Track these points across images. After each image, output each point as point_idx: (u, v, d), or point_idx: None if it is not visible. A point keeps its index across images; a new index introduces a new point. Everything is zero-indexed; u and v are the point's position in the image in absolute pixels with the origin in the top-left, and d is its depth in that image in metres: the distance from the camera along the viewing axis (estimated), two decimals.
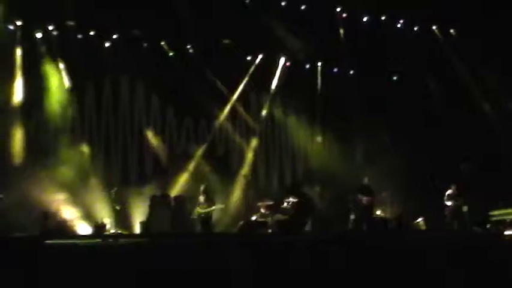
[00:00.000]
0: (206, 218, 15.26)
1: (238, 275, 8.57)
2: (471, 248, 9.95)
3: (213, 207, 15.46)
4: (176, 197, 16.35)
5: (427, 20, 18.87)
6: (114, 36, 16.70)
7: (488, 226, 15.75)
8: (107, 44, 16.68)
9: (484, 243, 11.31)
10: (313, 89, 19.29)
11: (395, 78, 19.76)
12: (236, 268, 8.63)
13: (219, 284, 8.37)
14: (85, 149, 16.30)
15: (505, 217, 16.64)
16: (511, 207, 16.81)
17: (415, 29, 18.99)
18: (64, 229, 14.65)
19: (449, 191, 16.19)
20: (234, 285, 8.39)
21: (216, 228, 16.31)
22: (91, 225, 15.10)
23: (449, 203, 16.09)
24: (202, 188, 15.70)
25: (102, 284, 7.97)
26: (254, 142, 18.79)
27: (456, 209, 16.00)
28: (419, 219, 16.90)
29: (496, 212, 16.92)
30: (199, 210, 15.28)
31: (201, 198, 15.42)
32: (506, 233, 13.36)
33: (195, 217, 15.29)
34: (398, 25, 19.00)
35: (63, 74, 16.17)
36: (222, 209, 16.14)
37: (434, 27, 19.36)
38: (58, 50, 16.13)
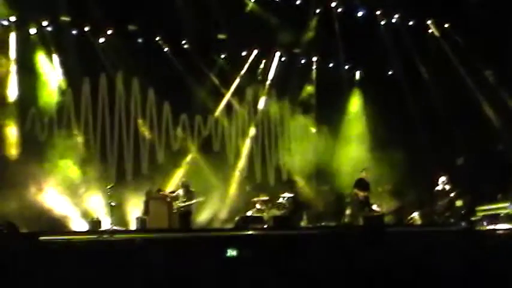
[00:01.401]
0: (185, 212, 15.25)
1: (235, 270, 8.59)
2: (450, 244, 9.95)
3: (193, 201, 15.43)
4: (172, 192, 16.32)
5: (423, 14, 18.89)
6: (109, 32, 16.65)
7: (473, 220, 15.63)
8: (101, 40, 16.62)
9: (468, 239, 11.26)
10: (308, 84, 19.32)
11: (390, 73, 19.76)
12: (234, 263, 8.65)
13: (215, 279, 8.38)
14: (81, 145, 16.26)
15: (498, 211, 16.72)
16: (507, 201, 16.92)
17: (410, 23, 19.01)
18: (59, 225, 14.61)
19: (439, 186, 16.07)
20: (230, 280, 8.39)
21: (213, 223, 16.33)
22: (86, 221, 15.06)
23: (441, 198, 15.95)
24: (181, 182, 15.73)
25: (99, 280, 7.95)
26: (250, 137, 18.79)
27: (449, 203, 15.91)
28: (414, 214, 16.94)
29: (487, 207, 17.00)
30: (178, 204, 15.28)
31: (180, 192, 15.43)
32: (498, 227, 13.34)
33: (175, 211, 15.27)
34: (393, 20, 19.03)
35: (58, 69, 16.11)
36: (207, 203, 16.26)
37: (429, 22, 19.38)
38: (52, 45, 16.06)
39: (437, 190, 15.97)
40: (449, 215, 15.91)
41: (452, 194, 15.78)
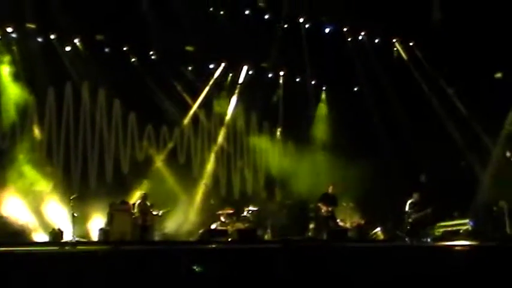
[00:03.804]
0: (145, 225, 15.20)
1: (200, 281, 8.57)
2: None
3: (161, 212, 15.62)
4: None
5: (388, 32, 19.25)
6: (76, 41, 16.49)
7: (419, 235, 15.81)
8: (68, 48, 16.44)
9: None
10: (275, 98, 19.45)
11: (356, 89, 20.03)
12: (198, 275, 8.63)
13: None
14: (44, 154, 16.00)
15: (458, 227, 17.02)
16: (465, 218, 17.25)
17: (376, 41, 19.34)
18: (18, 236, 14.29)
19: (411, 200, 16.16)
20: None
21: (177, 236, 16.21)
22: (47, 233, 14.77)
23: (413, 213, 15.97)
24: (140, 195, 15.68)
25: None
26: (215, 150, 18.77)
27: (421, 219, 15.98)
28: (377, 229, 17.11)
29: (447, 223, 17.28)
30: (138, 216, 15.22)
31: (137, 204, 15.40)
32: (456, 243, 13.52)
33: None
34: (360, 37, 19.33)
35: (22, 77, 15.83)
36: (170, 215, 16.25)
37: (394, 40, 19.75)
38: (17, 52, 15.81)
39: (411, 203, 16.01)
40: (416, 231, 15.93)
41: (428, 210, 15.82)
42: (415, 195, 16.04)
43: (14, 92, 15.62)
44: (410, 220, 15.74)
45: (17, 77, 15.67)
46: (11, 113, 15.66)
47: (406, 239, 15.45)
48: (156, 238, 15.65)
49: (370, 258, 10.05)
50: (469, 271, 9.47)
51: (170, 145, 17.94)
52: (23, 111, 15.85)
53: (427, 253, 12.21)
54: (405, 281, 8.93)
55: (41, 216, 15.14)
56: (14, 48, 15.76)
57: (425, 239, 15.59)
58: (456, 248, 12.56)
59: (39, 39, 16.03)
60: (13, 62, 15.74)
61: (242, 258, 9.76)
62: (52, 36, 16.15)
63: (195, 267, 8.77)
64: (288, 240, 14.86)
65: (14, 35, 15.79)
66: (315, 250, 10.89)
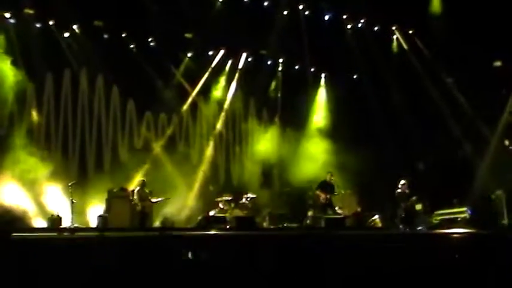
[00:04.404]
0: (144, 212, 15.26)
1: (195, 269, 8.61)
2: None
3: (159, 199, 15.65)
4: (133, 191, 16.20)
5: (387, 20, 19.19)
6: (74, 27, 16.43)
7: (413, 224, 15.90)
8: (66, 35, 16.38)
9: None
10: (274, 85, 19.43)
11: (355, 77, 20.01)
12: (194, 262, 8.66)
13: (177, 278, 8.38)
14: (42, 140, 16.01)
15: (456, 216, 17.08)
16: (463, 206, 17.30)
17: (375, 29, 19.29)
18: (17, 222, 14.31)
19: (399, 190, 16.20)
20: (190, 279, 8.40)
21: (176, 222, 16.26)
22: (46, 219, 14.80)
23: (402, 201, 16.10)
24: (138, 182, 15.71)
25: (58, 278, 7.87)
26: (214, 137, 18.78)
27: (409, 207, 16.10)
28: (375, 217, 17.16)
29: (445, 211, 17.35)
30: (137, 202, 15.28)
31: (135, 191, 15.46)
32: (453, 231, 13.58)
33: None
34: (359, 24, 19.27)
35: (21, 63, 15.77)
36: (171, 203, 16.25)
37: (393, 28, 19.70)
38: (15, 38, 15.75)
39: (398, 193, 16.16)
40: (410, 218, 16.04)
41: (413, 198, 15.96)
42: (402, 185, 16.11)
43: (12, 78, 15.57)
44: (401, 209, 15.86)
45: (15, 63, 15.62)
46: (9, 99, 15.63)
47: (400, 227, 15.53)
48: (157, 223, 15.70)
49: (365, 247, 10.08)
50: (464, 259, 9.51)
51: (169, 132, 17.93)
52: (21, 98, 15.82)
53: (422, 241, 12.26)
54: (397, 269, 8.95)
55: (40, 202, 15.15)
56: (12, 34, 15.69)
57: (420, 227, 15.64)
58: (452, 235, 12.60)
59: (38, 25, 15.96)
60: (11, 48, 15.68)
61: (240, 245, 9.79)
62: (50, 23, 16.08)
63: (193, 254, 8.80)
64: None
65: (12, 21, 15.71)
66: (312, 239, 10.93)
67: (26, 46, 15.68)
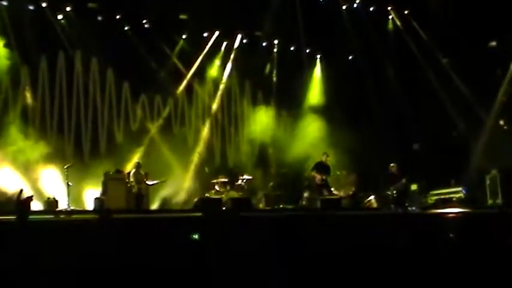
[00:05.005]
0: (140, 194, 15.28)
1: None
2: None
3: (156, 181, 15.62)
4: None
5: (383, 0, 19.09)
6: (68, 9, 16.31)
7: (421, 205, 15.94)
8: (60, 16, 16.27)
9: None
10: (269, 66, 19.38)
11: (350, 57, 19.96)
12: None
13: (173, 260, 8.42)
14: (37, 123, 15.97)
15: (451, 196, 17.18)
16: (459, 186, 17.41)
17: (371, 9, 19.19)
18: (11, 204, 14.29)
19: (389, 172, 16.27)
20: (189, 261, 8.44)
21: (172, 205, 16.31)
22: (42, 202, 14.81)
23: (391, 185, 16.17)
24: (134, 164, 15.72)
25: (54, 260, 7.89)
26: (209, 119, 18.77)
27: (401, 188, 16.17)
28: (371, 197, 17.23)
29: (441, 191, 17.45)
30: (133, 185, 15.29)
31: (131, 173, 15.46)
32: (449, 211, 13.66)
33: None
34: (355, 5, 19.18)
35: (14, 45, 15.68)
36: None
37: (389, 8, 19.61)
38: (8, 20, 15.62)
39: (387, 174, 16.24)
40: (403, 199, 16.12)
41: (403, 180, 16.03)
42: (392, 167, 16.16)
43: (6, 61, 15.49)
44: (392, 191, 15.92)
45: (8, 45, 15.52)
46: (3, 82, 15.56)
47: (392, 206, 15.63)
48: (156, 204, 15.73)
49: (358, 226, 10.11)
50: (459, 238, 9.57)
51: (164, 114, 17.90)
52: (15, 80, 15.75)
53: (414, 220, 12.34)
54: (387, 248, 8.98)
55: (35, 185, 15.14)
56: (5, 16, 15.57)
57: (412, 208, 15.72)
58: (446, 215, 12.68)
59: (31, 7, 15.83)
60: (4, 31, 15.57)
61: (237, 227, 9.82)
62: (44, 4, 15.96)
63: (190, 236, 8.84)
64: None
65: (4, 3, 15.59)
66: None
67: (20, 28, 15.57)
